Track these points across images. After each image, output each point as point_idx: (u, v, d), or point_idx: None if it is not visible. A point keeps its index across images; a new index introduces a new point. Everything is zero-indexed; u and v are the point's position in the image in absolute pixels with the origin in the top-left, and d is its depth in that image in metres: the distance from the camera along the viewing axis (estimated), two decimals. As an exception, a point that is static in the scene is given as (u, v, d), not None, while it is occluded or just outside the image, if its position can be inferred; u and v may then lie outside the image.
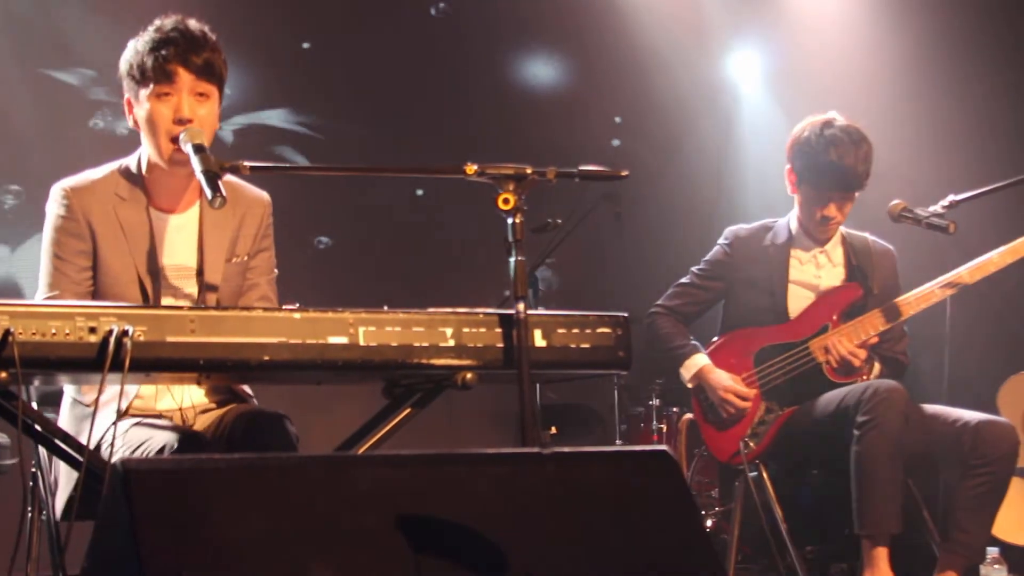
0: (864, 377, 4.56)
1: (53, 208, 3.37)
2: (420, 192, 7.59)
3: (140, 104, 3.32)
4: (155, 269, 3.38)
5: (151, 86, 3.28)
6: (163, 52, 3.26)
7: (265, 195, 3.61)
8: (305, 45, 7.34)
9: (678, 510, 2.35)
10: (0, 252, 6.34)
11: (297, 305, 3.08)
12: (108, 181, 3.40)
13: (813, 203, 4.66)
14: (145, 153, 3.39)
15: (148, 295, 3.35)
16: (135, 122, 3.38)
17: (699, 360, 4.76)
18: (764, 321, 4.74)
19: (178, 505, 1.98)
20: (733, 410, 4.65)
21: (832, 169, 4.56)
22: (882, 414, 4.27)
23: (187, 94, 3.28)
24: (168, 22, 3.32)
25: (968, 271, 4.56)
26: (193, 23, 3.35)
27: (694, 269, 4.93)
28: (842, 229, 4.81)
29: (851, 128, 4.62)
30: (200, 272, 3.43)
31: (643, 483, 2.35)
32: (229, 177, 3.27)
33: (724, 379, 4.70)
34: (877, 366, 4.62)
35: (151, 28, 3.33)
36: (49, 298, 3.30)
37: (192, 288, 3.43)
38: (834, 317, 4.65)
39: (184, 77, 3.28)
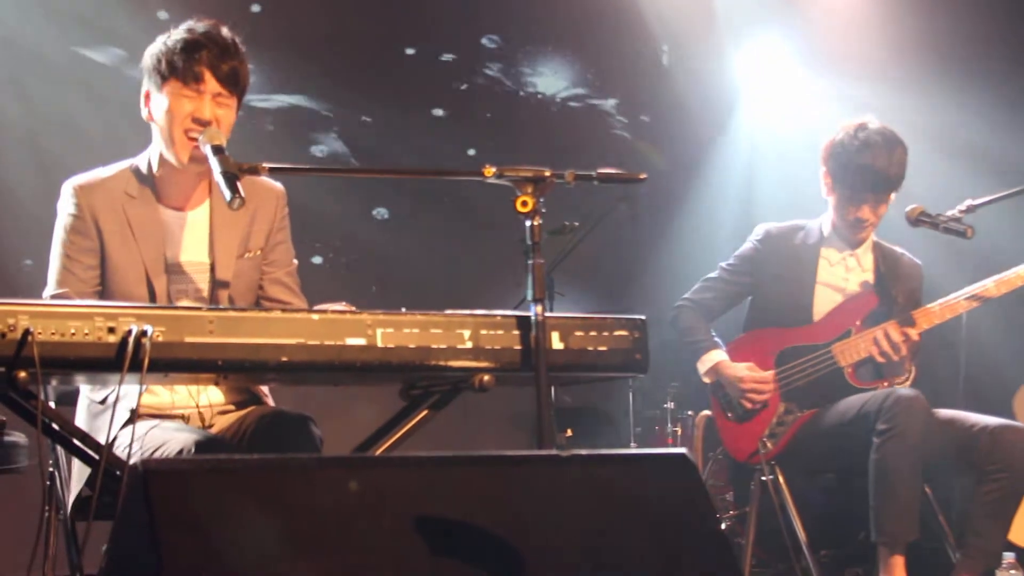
0: (886, 384, 4.55)
1: (63, 206, 3.39)
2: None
3: (160, 97, 3.34)
4: (165, 266, 3.39)
5: (176, 84, 3.30)
6: (194, 55, 3.28)
7: (278, 186, 3.61)
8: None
9: (696, 513, 2.34)
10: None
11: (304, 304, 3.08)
12: (118, 179, 3.42)
13: (848, 205, 4.67)
14: (156, 151, 3.41)
15: (155, 292, 3.36)
16: (150, 115, 3.39)
17: (716, 355, 4.76)
18: (789, 320, 4.74)
19: (197, 506, 1.98)
20: (758, 397, 4.65)
21: (867, 171, 4.58)
22: (903, 423, 4.26)
23: (209, 98, 3.31)
24: (201, 25, 3.34)
25: (995, 284, 4.55)
26: (225, 31, 3.37)
27: (723, 264, 4.94)
28: (873, 237, 4.81)
29: (885, 131, 4.64)
30: (212, 268, 3.44)
31: (661, 486, 2.34)
32: None
33: (740, 370, 4.70)
34: (914, 369, 4.61)
35: (183, 28, 3.34)
36: (56, 295, 3.32)
37: (204, 284, 3.44)
38: (858, 322, 4.65)
39: (210, 82, 3.30)
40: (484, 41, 7.77)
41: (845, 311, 4.71)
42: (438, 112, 7.59)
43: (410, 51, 7.54)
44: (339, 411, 4.72)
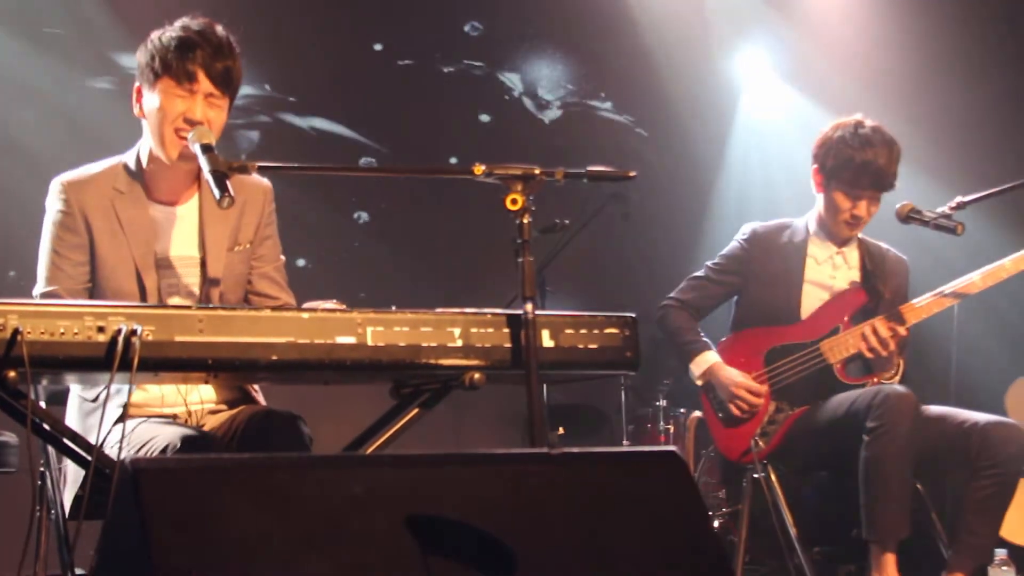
0: (875, 380, 4.56)
1: (51, 203, 3.38)
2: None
3: (152, 95, 3.33)
4: (155, 261, 3.38)
5: (168, 82, 3.29)
6: (188, 53, 3.27)
7: (266, 182, 3.61)
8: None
9: (687, 511, 2.34)
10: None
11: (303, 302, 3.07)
12: (107, 175, 3.41)
13: (843, 202, 4.67)
14: (145, 147, 3.40)
15: (146, 288, 3.35)
16: (141, 111, 3.39)
17: (710, 357, 4.76)
18: (776, 319, 4.74)
19: (188, 505, 1.98)
20: (746, 406, 4.65)
21: (867, 168, 4.58)
22: (892, 421, 4.26)
23: (202, 98, 3.30)
24: (195, 23, 3.33)
25: (980, 277, 4.56)
26: (220, 29, 3.36)
27: (709, 263, 4.94)
28: (859, 234, 4.81)
29: (881, 129, 4.66)
30: (203, 262, 3.44)
31: (652, 484, 2.34)
32: None
33: (735, 375, 4.69)
34: (902, 364, 4.62)
35: (178, 25, 3.33)
36: (46, 292, 3.32)
37: (194, 278, 3.44)
38: (845, 319, 4.66)
39: (203, 82, 3.29)
40: (468, 28, 7.77)
41: (832, 308, 4.71)
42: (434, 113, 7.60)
43: (378, 47, 7.56)
44: (329, 410, 4.72)
